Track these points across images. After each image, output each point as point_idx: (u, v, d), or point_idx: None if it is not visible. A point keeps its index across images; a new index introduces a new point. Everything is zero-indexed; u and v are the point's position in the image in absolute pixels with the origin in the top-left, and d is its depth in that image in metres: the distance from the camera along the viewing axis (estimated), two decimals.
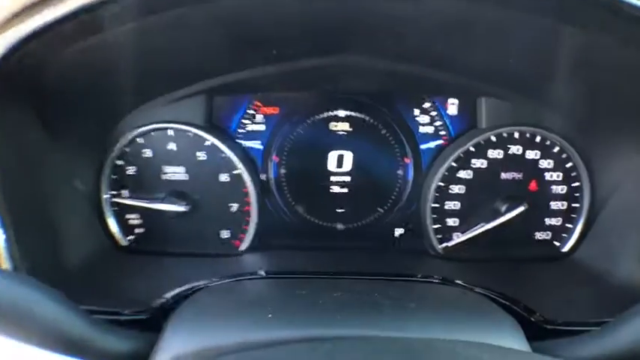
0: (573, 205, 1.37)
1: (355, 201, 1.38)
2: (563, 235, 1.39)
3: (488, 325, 0.85)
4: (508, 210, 1.35)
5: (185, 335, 0.80)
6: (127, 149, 1.34)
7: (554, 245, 1.39)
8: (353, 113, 1.35)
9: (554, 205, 1.38)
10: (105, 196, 1.36)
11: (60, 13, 0.90)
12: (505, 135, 1.34)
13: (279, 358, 0.67)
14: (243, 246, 1.37)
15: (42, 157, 1.17)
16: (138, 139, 1.33)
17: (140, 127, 1.33)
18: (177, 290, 1.01)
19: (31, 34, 0.89)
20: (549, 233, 1.40)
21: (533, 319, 0.97)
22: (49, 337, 0.74)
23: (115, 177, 1.35)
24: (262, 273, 1.10)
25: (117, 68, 1.15)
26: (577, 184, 1.35)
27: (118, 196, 1.36)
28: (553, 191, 1.37)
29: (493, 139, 1.35)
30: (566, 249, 1.38)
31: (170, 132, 1.33)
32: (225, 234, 1.37)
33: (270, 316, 0.81)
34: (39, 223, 1.12)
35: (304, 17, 1.02)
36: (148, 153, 1.34)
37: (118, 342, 0.80)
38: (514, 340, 0.80)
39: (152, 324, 0.91)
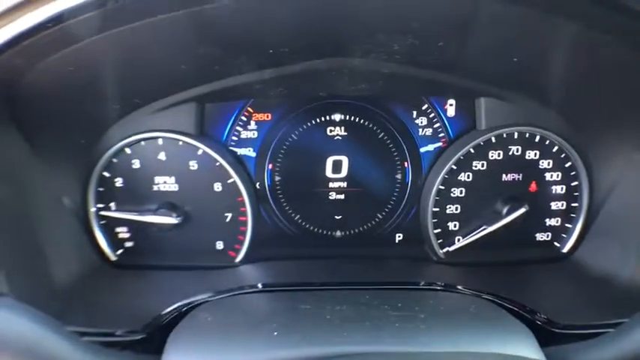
0: (572, 204, 1.36)
1: (353, 207, 1.35)
2: (563, 235, 1.38)
3: (501, 334, 0.83)
4: (509, 212, 1.33)
5: (188, 356, 0.76)
6: (115, 160, 1.29)
7: (555, 246, 1.38)
8: (349, 117, 1.31)
9: (554, 205, 1.37)
10: (92, 210, 1.30)
11: (35, 22, 0.84)
12: (505, 136, 1.32)
13: None
14: (239, 257, 1.33)
15: (25, 172, 1.11)
16: (126, 150, 1.28)
17: (128, 137, 1.27)
18: (172, 307, 0.97)
19: (5, 46, 0.83)
20: (549, 234, 1.38)
21: (538, 322, 0.96)
22: None
23: (102, 189, 1.30)
24: (260, 286, 1.07)
25: (99, 76, 1.10)
26: (576, 183, 1.34)
27: (106, 209, 1.31)
28: (553, 191, 1.36)
29: (493, 140, 1.32)
30: (566, 249, 1.38)
31: (160, 141, 1.28)
32: (220, 245, 1.33)
33: (275, 333, 0.78)
34: (24, 243, 1.07)
35: (296, 20, 0.98)
36: (136, 164, 1.29)
37: None
38: (528, 348, 0.79)
39: (148, 344, 0.87)
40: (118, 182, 1.30)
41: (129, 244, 1.33)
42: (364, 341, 0.76)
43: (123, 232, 1.32)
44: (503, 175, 1.34)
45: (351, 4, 0.93)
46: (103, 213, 1.31)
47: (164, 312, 0.94)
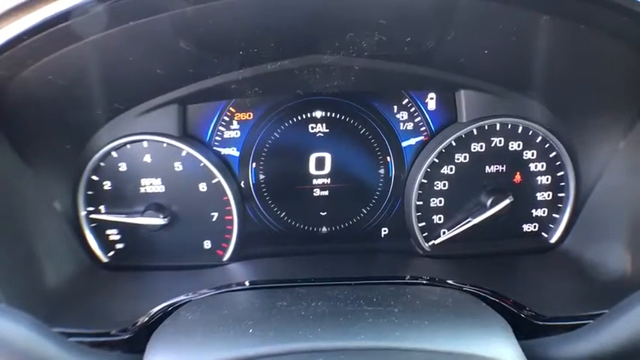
0: (559, 194, 1.39)
1: (338, 203, 1.40)
2: (550, 225, 1.41)
3: (476, 328, 0.85)
4: (494, 203, 1.37)
5: (168, 354, 0.80)
6: (102, 164, 1.34)
7: (542, 237, 1.42)
8: (330, 114, 1.36)
9: (540, 195, 1.40)
10: (82, 213, 1.36)
11: (15, 33, 0.90)
12: (486, 127, 1.36)
13: None
14: (227, 255, 1.38)
15: (14, 178, 1.17)
16: (112, 153, 1.34)
17: (113, 140, 1.33)
18: (158, 307, 1.02)
19: None
20: (536, 225, 1.42)
21: (523, 315, 0.99)
22: None
23: (91, 193, 1.36)
24: (247, 283, 1.11)
25: (80, 83, 1.15)
26: (561, 173, 1.37)
27: (96, 212, 1.37)
28: (538, 182, 1.39)
29: (474, 132, 1.36)
30: (553, 240, 1.41)
31: (144, 144, 1.33)
32: (207, 244, 1.38)
33: (250, 331, 0.82)
34: (15, 247, 1.12)
35: (264, 20, 1.02)
36: (123, 167, 1.35)
37: None
38: (504, 341, 0.81)
39: (136, 343, 0.92)
40: (107, 185, 1.36)
41: (119, 245, 1.38)
42: (337, 337, 0.79)
43: (113, 234, 1.38)
44: (487, 167, 1.38)
45: (320, 2, 0.98)
46: (93, 216, 1.36)
47: (150, 312, 0.99)
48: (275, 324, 0.84)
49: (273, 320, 0.85)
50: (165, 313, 0.97)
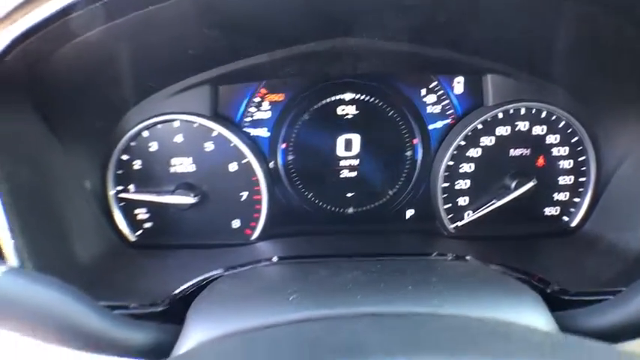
0: (580, 179, 1.42)
1: (364, 184, 1.42)
2: (572, 209, 1.44)
3: (510, 298, 0.87)
4: (517, 186, 1.39)
5: (209, 322, 0.81)
6: (133, 143, 1.36)
7: (563, 220, 1.45)
8: (359, 96, 1.38)
9: (562, 179, 1.43)
10: (111, 192, 1.38)
11: (55, 9, 0.91)
12: (512, 112, 1.38)
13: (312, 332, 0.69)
14: (255, 234, 1.41)
15: (46, 156, 1.18)
16: (143, 133, 1.36)
17: (145, 120, 1.35)
18: (193, 281, 1.05)
19: (28, 32, 0.90)
20: (558, 208, 1.45)
21: (548, 290, 1.02)
22: (69, 333, 0.75)
23: (120, 172, 1.38)
24: (275, 259, 1.14)
25: (115, 62, 1.17)
26: (583, 158, 1.40)
27: (125, 191, 1.39)
28: (560, 166, 1.42)
29: (500, 116, 1.39)
30: (574, 223, 1.44)
31: (176, 124, 1.35)
32: (235, 224, 1.41)
33: (291, 298, 0.83)
34: (46, 224, 1.14)
35: (301, 2, 1.04)
36: (154, 146, 1.37)
37: (140, 335, 0.81)
38: (536, 310, 0.83)
39: (169, 316, 0.93)
40: (136, 165, 1.38)
41: (147, 224, 1.41)
42: (378, 303, 0.81)
43: (142, 213, 1.40)
44: (511, 151, 1.40)
45: None
46: (122, 195, 1.38)
47: (186, 285, 1.01)
48: (315, 291, 0.86)
49: (312, 288, 0.87)
50: (201, 287, 0.99)
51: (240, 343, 0.69)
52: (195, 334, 0.78)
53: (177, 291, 1.00)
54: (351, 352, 0.57)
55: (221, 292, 0.95)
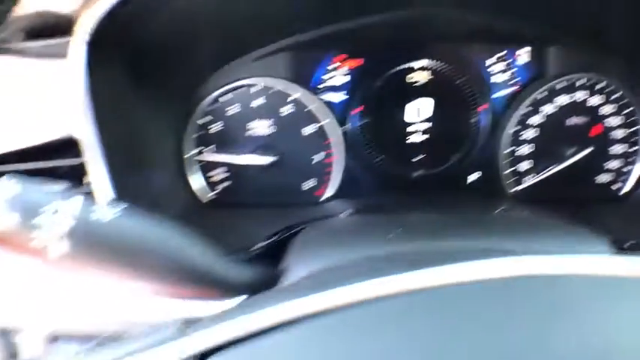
0: (632, 148, 1.50)
1: (433, 149, 1.50)
2: (623, 177, 1.52)
3: (585, 242, 0.93)
4: (574, 153, 1.48)
5: (314, 253, 0.83)
6: (213, 107, 1.43)
7: (615, 187, 1.53)
8: (431, 64, 1.45)
9: (615, 148, 1.51)
10: (189, 154, 1.46)
11: None
12: (571, 82, 1.46)
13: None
14: (325, 196, 1.49)
15: (131, 113, 1.25)
16: (223, 97, 1.43)
17: (226, 84, 1.42)
18: (281, 229, 1.11)
19: None
20: (609, 176, 1.53)
21: (626, 246, 1.10)
22: (185, 273, 0.77)
23: (200, 134, 1.45)
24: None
25: (204, 27, 1.23)
26: (636, 127, 1.48)
27: (203, 152, 1.46)
28: (614, 136, 1.50)
29: (560, 86, 1.46)
30: (625, 191, 1.52)
31: (255, 88, 1.42)
32: (308, 184, 1.49)
33: (390, 236, 0.84)
34: (135, 179, 1.22)
35: None
36: (233, 110, 1.44)
37: (248, 272, 0.83)
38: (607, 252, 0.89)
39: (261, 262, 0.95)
40: (215, 127, 1.45)
41: (222, 185, 1.48)
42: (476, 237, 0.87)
43: (217, 174, 1.48)
44: (569, 119, 1.48)
45: None
46: (199, 157, 1.46)
47: (274, 232, 1.06)
48: (411, 231, 0.89)
49: (407, 230, 0.89)
50: (290, 235, 1.06)
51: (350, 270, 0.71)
52: (302, 264, 0.80)
53: (267, 239, 1.03)
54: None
55: (320, 231, 1.01)
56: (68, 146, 1.09)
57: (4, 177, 0.70)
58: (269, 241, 1.05)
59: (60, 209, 0.67)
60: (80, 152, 1.07)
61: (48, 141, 1.10)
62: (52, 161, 1.10)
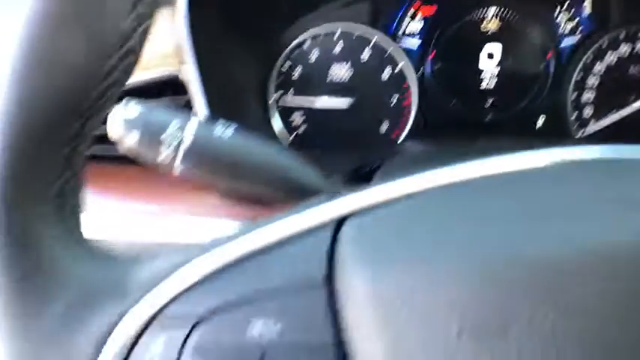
0: None
1: (502, 93, 1.58)
2: None
3: None
4: (634, 100, 1.56)
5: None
6: (295, 53, 1.52)
7: None
8: (502, 11, 1.53)
9: None
10: (272, 98, 1.55)
11: None
12: (634, 31, 1.54)
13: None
14: (401, 137, 1.57)
15: (221, 54, 1.35)
16: (305, 43, 1.52)
17: (308, 30, 1.51)
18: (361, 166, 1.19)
19: None
20: None
21: None
22: (284, 184, 0.88)
23: (282, 80, 1.54)
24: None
25: None
26: None
27: (284, 96, 1.55)
28: None
29: (623, 35, 1.54)
30: None
31: (336, 34, 1.51)
32: (384, 127, 1.57)
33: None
34: (227, 118, 1.31)
35: None
36: (314, 55, 1.53)
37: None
38: None
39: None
40: (297, 72, 1.54)
41: (302, 128, 1.57)
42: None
43: (297, 117, 1.57)
44: (631, 67, 1.56)
45: None
46: (280, 101, 1.55)
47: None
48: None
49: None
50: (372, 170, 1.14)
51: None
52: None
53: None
54: None
55: (402, 163, 1.08)
56: (174, 85, 1.20)
57: (123, 101, 0.80)
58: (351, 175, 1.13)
59: (180, 127, 0.77)
60: (183, 91, 1.19)
61: (157, 79, 1.20)
62: (161, 99, 1.19)
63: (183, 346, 0.52)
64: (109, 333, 0.53)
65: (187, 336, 0.52)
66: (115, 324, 0.53)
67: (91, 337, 0.54)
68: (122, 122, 0.82)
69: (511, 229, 0.48)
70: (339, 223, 0.54)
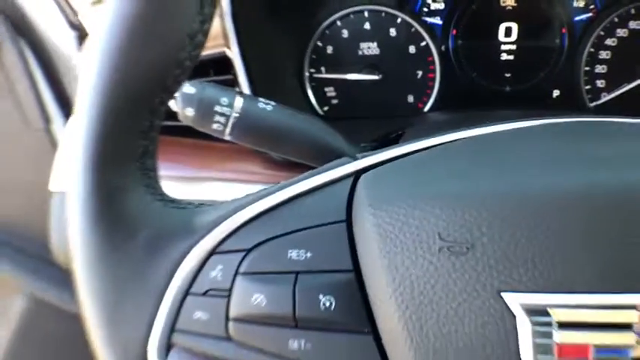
0: None
1: (520, 67, 1.70)
2: None
3: None
4: None
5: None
6: (327, 31, 1.67)
7: None
8: None
9: None
10: (306, 74, 1.70)
11: None
12: None
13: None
14: (427, 107, 1.71)
15: (261, 35, 1.50)
16: (337, 22, 1.66)
17: (339, 11, 1.65)
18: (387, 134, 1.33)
19: None
20: None
21: None
22: (318, 151, 1.05)
23: (315, 56, 1.69)
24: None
25: None
26: None
27: (318, 72, 1.70)
28: None
29: (633, 11, 1.66)
30: None
31: (365, 13, 1.65)
32: (410, 98, 1.71)
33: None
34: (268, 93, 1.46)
35: None
36: (345, 33, 1.67)
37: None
38: None
39: None
40: (329, 50, 1.69)
41: (334, 101, 1.72)
42: None
43: (330, 91, 1.71)
44: None
45: None
46: (315, 76, 1.70)
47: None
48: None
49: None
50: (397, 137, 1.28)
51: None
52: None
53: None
54: None
55: (425, 128, 1.22)
56: (218, 64, 1.37)
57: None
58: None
59: (229, 102, 0.94)
60: (226, 70, 1.37)
61: (205, 58, 1.37)
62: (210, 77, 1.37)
63: (236, 271, 0.69)
64: (180, 262, 0.70)
65: (239, 263, 0.69)
66: (185, 255, 0.70)
67: (165, 265, 0.71)
68: (182, 98, 1.00)
69: (485, 173, 0.65)
70: (358, 175, 0.70)
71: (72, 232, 0.69)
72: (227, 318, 0.65)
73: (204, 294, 0.66)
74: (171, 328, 0.68)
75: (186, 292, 0.67)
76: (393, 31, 1.62)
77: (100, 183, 0.65)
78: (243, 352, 0.66)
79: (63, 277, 2.36)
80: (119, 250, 0.67)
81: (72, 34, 2.28)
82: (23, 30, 2.14)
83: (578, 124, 0.75)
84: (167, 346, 0.70)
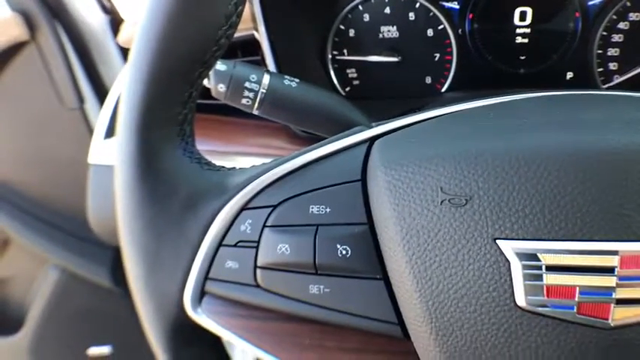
0: None
1: (534, 49, 1.74)
2: None
3: None
4: None
5: None
6: (349, 15, 1.72)
7: None
8: None
9: None
10: (329, 55, 1.76)
11: None
12: None
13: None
14: (444, 88, 1.76)
15: (287, 20, 1.56)
16: (359, 6, 1.71)
17: None
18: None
19: None
20: None
21: None
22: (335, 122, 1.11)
23: (338, 39, 1.75)
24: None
25: None
26: None
27: (340, 54, 1.76)
28: None
29: None
30: None
31: None
32: (428, 79, 1.76)
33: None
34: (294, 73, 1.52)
35: None
36: (366, 17, 1.73)
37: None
38: None
39: None
40: (351, 33, 1.74)
41: (355, 82, 1.78)
42: None
43: (351, 72, 1.77)
44: None
45: None
46: (337, 58, 1.76)
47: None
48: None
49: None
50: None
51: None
52: None
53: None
54: None
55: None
56: (249, 45, 1.47)
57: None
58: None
59: (257, 80, 1.01)
60: (252, 51, 1.47)
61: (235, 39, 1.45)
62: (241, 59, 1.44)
63: (263, 224, 0.77)
64: (213, 218, 0.79)
65: (267, 218, 0.77)
66: (218, 211, 0.79)
67: (201, 220, 0.80)
68: (215, 75, 1.08)
69: (484, 135, 0.71)
70: (373, 141, 0.78)
71: (118, 188, 0.77)
72: (255, 266, 0.72)
73: (235, 245, 0.74)
74: (205, 276, 0.76)
75: (219, 244, 0.75)
76: (412, 15, 1.67)
77: (145, 144, 0.74)
78: (269, 297, 0.74)
79: (97, 253, 2.49)
80: (161, 203, 0.75)
81: (105, 18, 2.39)
82: (59, 13, 2.24)
83: (572, 96, 0.81)
84: (201, 293, 0.78)
